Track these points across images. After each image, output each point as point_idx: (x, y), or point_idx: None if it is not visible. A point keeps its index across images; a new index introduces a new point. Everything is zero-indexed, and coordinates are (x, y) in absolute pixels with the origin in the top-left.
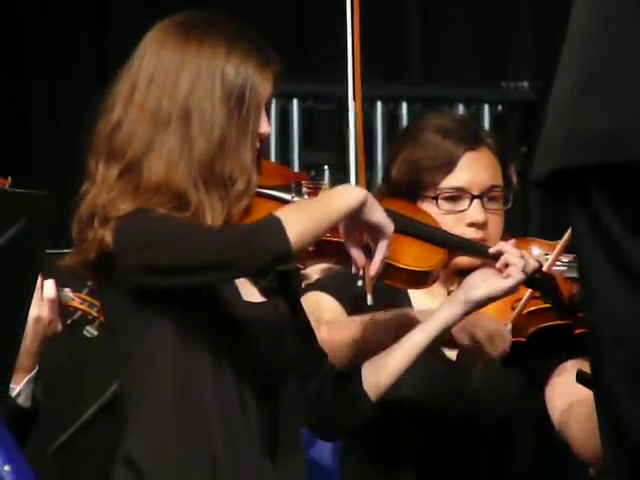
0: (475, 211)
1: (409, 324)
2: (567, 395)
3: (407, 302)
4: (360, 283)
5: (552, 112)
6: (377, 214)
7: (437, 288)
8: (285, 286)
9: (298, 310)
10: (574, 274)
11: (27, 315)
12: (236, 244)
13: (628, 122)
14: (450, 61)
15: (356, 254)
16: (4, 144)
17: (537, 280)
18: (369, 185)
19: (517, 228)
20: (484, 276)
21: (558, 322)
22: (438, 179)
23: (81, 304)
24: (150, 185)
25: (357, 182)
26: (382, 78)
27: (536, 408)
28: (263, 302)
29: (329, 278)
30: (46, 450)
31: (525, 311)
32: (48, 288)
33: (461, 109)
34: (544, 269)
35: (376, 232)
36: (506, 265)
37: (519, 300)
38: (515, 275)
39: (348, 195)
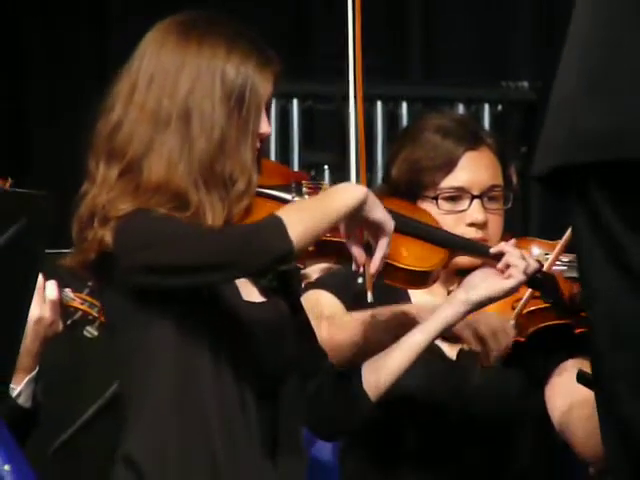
0: (475, 211)
1: (409, 324)
2: (567, 395)
3: (407, 302)
4: (360, 280)
5: (552, 113)
6: (377, 212)
7: (437, 288)
8: (285, 286)
9: (298, 310)
10: (574, 274)
11: (27, 315)
12: (237, 244)
13: (628, 122)
14: (450, 61)
15: (356, 251)
16: (4, 144)
17: (538, 280)
18: (369, 185)
19: (517, 228)
20: (484, 276)
21: (558, 322)
22: (438, 179)
23: (81, 304)
24: (150, 185)
25: (358, 181)
26: (382, 78)
27: (536, 408)
28: (263, 302)
29: (329, 276)
30: (46, 450)
31: (525, 311)
32: (50, 289)
33: (461, 109)
34: (544, 269)
35: (376, 230)
36: (507, 266)
37: (519, 300)
38: (516, 276)
39: (348, 193)
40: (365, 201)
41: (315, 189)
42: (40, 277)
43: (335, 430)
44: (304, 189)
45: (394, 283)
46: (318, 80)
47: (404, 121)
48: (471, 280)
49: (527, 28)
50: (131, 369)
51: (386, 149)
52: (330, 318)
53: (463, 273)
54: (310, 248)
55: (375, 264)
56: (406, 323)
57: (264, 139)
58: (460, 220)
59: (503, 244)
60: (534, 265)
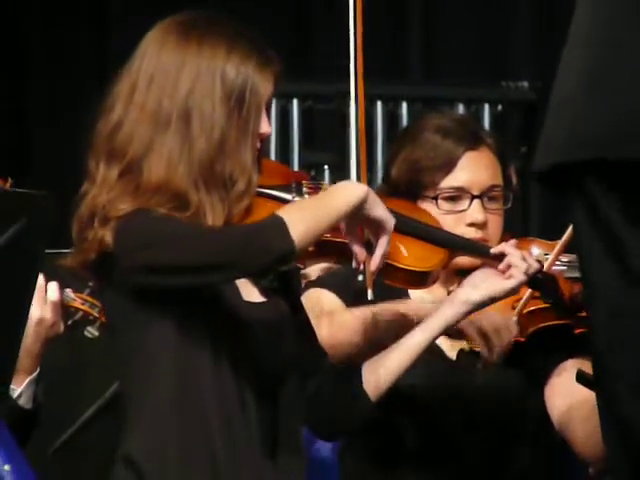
0: (475, 211)
1: (409, 325)
2: (567, 395)
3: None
4: (361, 278)
5: (552, 113)
6: (378, 210)
7: (437, 288)
8: (285, 286)
9: (298, 310)
10: (574, 274)
11: (27, 315)
12: (237, 244)
13: (628, 122)
14: (450, 61)
15: (357, 249)
16: (4, 144)
17: (538, 280)
18: (369, 185)
19: (517, 228)
20: (485, 276)
21: (558, 322)
22: (438, 179)
23: (82, 305)
24: (150, 185)
25: (359, 181)
26: (382, 78)
27: (536, 408)
28: (263, 302)
29: (330, 275)
30: (46, 450)
31: (525, 311)
32: (52, 290)
33: (461, 109)
34: (544, 269)
35: (377, 227)
36: (508, 266)
37: (519, 300)
38: (517, 276)
39: (349, 192)
40: (366, 199)
41: (315, 189)
42: (41, 278)
43: (335, 430)
44: (304, 189)
45: (394, 283)
46: (318, 80)
47: (404, 121)
48: (471, 280)
49: (527, 28)
50: (131, 369)
51: (386, 149)
52: (330, 315)
53: (463, 273)
54: (310, 248)
55: (375, 262)
56: (406, 324)
57: (264, 139)
58: (460, 220)
59: (504, 244)
60: (535, 266)
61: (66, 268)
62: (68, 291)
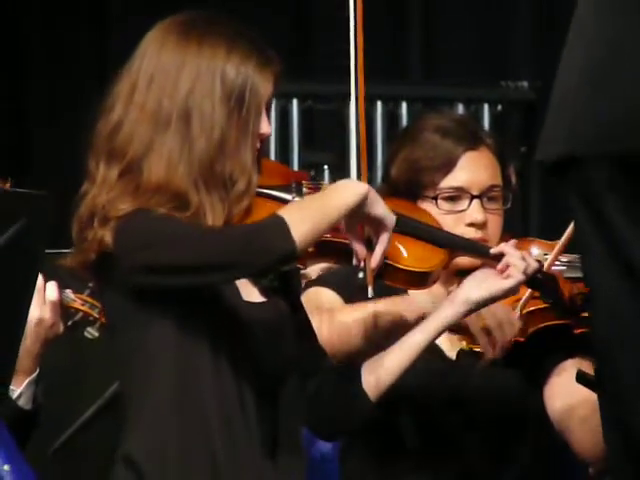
0: (474, 211)
1: (409, 325)
2: (566, 395)
3: None
4: (361, 275)
5: (553, 112)
6: (378, 207)
7: (437, 288)
8: (285, 286)
9: (298, 310)
10: (574, 274)
11: (27, 315)
12: (238, 244)
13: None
14: (450, 61)
15: (357, 246)
16: (4, 144)
17: (538, 280)
18: (369, 184)
19: (517, 228)
20: (484, 276)
21: (558, 322)
22: (437, 179)
23: (82, 305)
24: (150, 185)
25: (359, 180)
26: (382, 78)
27: (536, 408)
28: (263, 302)
29: (330, 274)
30: (46, 450)
31: (525, 311)
32: (51, 290)
33: (461, 109)
34: (544, 269)
35: (378, 225)
36: (507, 266)
37: (519, 300)
38: (515, 276)
39: (349, 191)
40: (366, 197)
41: (315, 189)
42: (40, 278)
43: (335, 430)
44: (304, 189)
45: (394, 284)
46: (318, 80)
47: (404, 121)
48: (471, 280)
49: (527, 28)
50: (131, 369)
51: (386, 149)
52: (330, 312)
53: (463, 273)
54: (310, 249)
55: (376, 259)
56: (406, 321)
57: (264, 139)
58: (459, 220)
59: (503, 245)
60: (534, 265)
61: (66, 268)
62: (68, 292)
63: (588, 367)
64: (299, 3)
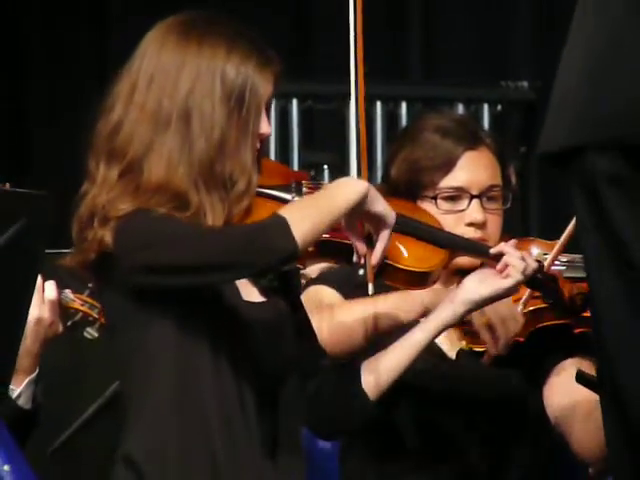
0: (474, 211)
1: (409, 324)
2: (566, 394)
3: None
4: (362, 272)
5: (553, 111)
6: (379, 205)
7: (437, 287)
8: (285, 286)
9: (298, 309)
10: (574, 274)
11: (27, 315)
12: (239, 244)
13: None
14: (450, 61)
15: (357, 243)
16: (4, 144)
17: (538, 280)
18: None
19: (516, 228)
20: (484, 276)
21: (557, 322)
22: (437, 179)
23: (82, 306)
24: (150, 186)
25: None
26: (382, 78)
27: (536, 408)
28: (263, 302)
29: (331, 273)
30: (46, 450)
31: (524, 311)
32: (49, 290)
33: (461, 109)
34: (544, 269)
35: (378, 222)
36: (506, 266)
37: (519, 300)
38: (514, 275)
39: (349, 188)
40: (366, 195)
41: (315, 189)
42: (39, 278)
43: (335, 430)
44: (304, 189)
45: (394, 284)
46: (318, 80)
47: (404, 121)
48: (471, 280)
49: (527, 28)
50: (131, 369)
51: (386, 149)
52: (330, 308)
53: (463, 273)
54: (310, 248)
55: (376, 256)
56: (406, 322)
57: (264, 139)
58: (459, 220)
59: (503, 245)
60: (533, 266)
61: (65, 268)
62: (67, 292)
63: (588, 367)
64: (299, 3)
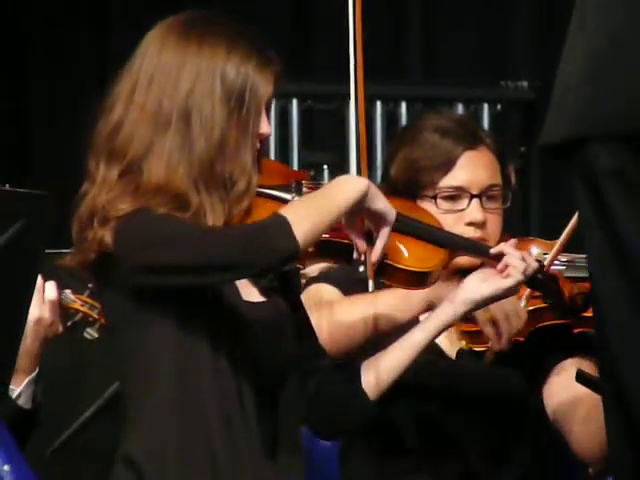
0: (474, 210)
1: (409, 324)
2: (566, 394)
3: None
4: (362, 269)
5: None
6: (379, 202)
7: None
8: (285, 285)
9: (298, 309)
10: (574, 273)
11: (27, 315)
12: (239, 244)
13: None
14: (449, 61)
15: (357, 241)
16: (4, 144)
17: (538, 281)
18: None
19: (517, 227)
20: (484, 276)
21: (557, 322)
22: (437, 178)
23: (82, 306)
24: (150, 186)
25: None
26: (382, 78)
27: (536, 408)
28: (263, 301)
29: (331, 271)
30: (46, 450)
31: (525, 310)
32: (49, 290)
33: (460, 109)
34: (544, 269)
35: (378, 219)
36: (506, 266)
37: (521, 297)
38: (514, 275)
39: (350, 186)
40: (367, 192)
41: (315, 189)
42: (39, 278)
43: (335, 430)
44: (304, 189)
45: (394, 284)
46: (318, 80)
47: (403, 121)
48: (471, 280)
49: (526, 28)
50: (131, 369)
51: (385, 149)
52: (329, 304)
53: (462, 273)
54: (310, 249)
55: (377, 253)
56: (404, 324)
57: (264, 139)
58: (459, 219)
59: (503, 245)
60: (533, 266)
61: (66, 269)
62: (68, 292)
63: (588, 367)
64: (299, 3)
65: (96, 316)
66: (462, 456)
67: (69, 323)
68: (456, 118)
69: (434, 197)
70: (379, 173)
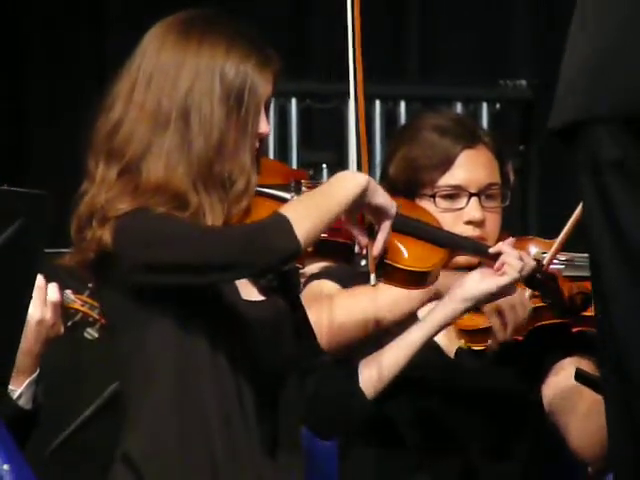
0: (472, 209)
1: (408, 322)
2: (565, 393)
3: None
4: (363, 263)
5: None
6: (379, 197)
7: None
8: (284, 284)
9: (297, 308)
10: (573, 272)
11: (26, 315)
12: (239, 244)
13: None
14: (448, 60)
15: (358, 235)
16: (4, 144)
17: (537, 280)
18: None
19: (515, 226)
20: (482, 275)
21: (556, 321)
22: (435, 177)
23: (82, 306)
24: (149, 186)
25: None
26: (380, 77)
27: (535, 406)
28: (262, 301)
29: (332, 268)
30: (46, 450)
31: None
32: (52, 291)
33: (459, 108)
34: (543, 269)
35: (379, 214)
36: (503, 264)
37: (523, 289)
38: (510, 273)
39: (349, 183)
40: (366, 188)
41: (314, 188)
42: (42, 279)
43: (335, 430)
44: (303, 188)
45: (393, 284)
46: (317, 79)
47: (402, 120)
48: (469, 278)
49: (525, 27)
50: (131, 369)
51: (384, 148)
52: (329, 298)
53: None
54: (309, 248)
55: (378, 247)
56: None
57: (263, 139)
58: (458, 218)
59: (501, 244)
60: (530, 265)
61: (66, 269)
62: (68, 292)
63: (587, 365)
64: (299, 2)
65: (96, 316)
66: (462, 452)
67: (69, 323)
68: (455, 117)
69: (433, 196)
70: (378, 172)
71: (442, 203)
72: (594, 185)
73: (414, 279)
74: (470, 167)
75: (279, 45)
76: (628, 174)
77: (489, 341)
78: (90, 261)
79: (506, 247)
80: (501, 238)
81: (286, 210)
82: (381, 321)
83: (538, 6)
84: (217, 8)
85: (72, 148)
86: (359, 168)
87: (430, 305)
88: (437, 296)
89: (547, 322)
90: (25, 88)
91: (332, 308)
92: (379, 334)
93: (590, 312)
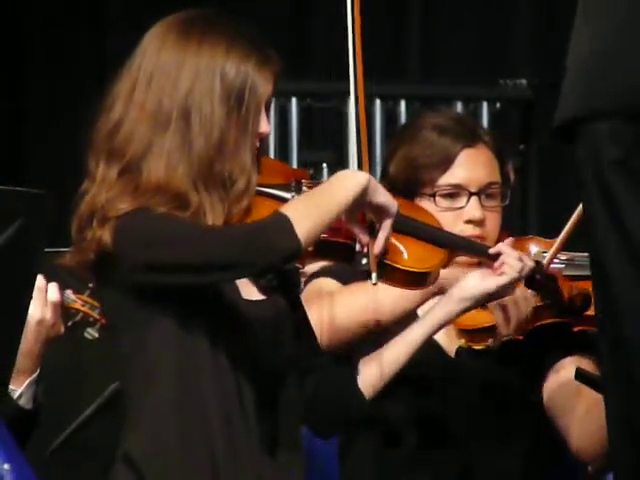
0: (472, 208)
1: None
2: (565, 393)
3: None
4: (365, 261)
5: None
6: (380, 195)
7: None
8: (284, 284)
9: (297, 308)
10: (573, 272)
11: (26, 314)
12: (240, 243)
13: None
14: (448, 60)
15: (359, 233)
16: (4, 144)
17: (537, 281)
18: None
19: (515, 226)
20: (481, 275)
21: (556, 320)
22: (435, 176)
23: (82, 306)
24: (150, 185)
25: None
26: (380, 76)
27: (535, 406)
28: (262, 300)
29: (333, 266)
30: (46, 450)
31: None
32: (52, 291)
33: (459, 107)
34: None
35: (381, 212)
36: (502, 264)
37: None
38: (509, 273)
39: (350, 182)
40: (367, 186)
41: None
42: (42, 279)
43: (333, 429)
44: (304, 188)
45: (393, 284)
46: (317, 78)
47: (402, 119)
48: (469, 278)
49: (525, 26)
50: (131, 368)
51: (384, 147)
52: (330, 295)
53: None
54: (309, 248)
55: (379, 245)
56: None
57: (264, 139)
58: (458, 217)
59: (501, 244)
60: (530, 265)
61: (66, 269)
62: (68, 292)
63: (587, 365)
64: (299, 2)
65: (97, 316)
66: (462, 452)
67: (69, 323)
68: (455, 116)
69: (433, 195)
70: (378, 171)
71: (442, 202)
72: (597, 185)
73: (414, 279)
74: (470, 166)
75: (279, 45)
76: (631, 173)
77: (489, 340)
78: (90, 261)
79: (506, 247)
80: (501, 237)
81: (287, 209)
82: (381, 320)
83: (539, 6)
84: (217, 8)
85: (72, 148)
86: (359, 167)
87: (432, 302)
88: (441, 291)
89: (547, 321)
90: (25, 88)
91: (332, 305)
92: (379, 333)
93: (590, 312)
